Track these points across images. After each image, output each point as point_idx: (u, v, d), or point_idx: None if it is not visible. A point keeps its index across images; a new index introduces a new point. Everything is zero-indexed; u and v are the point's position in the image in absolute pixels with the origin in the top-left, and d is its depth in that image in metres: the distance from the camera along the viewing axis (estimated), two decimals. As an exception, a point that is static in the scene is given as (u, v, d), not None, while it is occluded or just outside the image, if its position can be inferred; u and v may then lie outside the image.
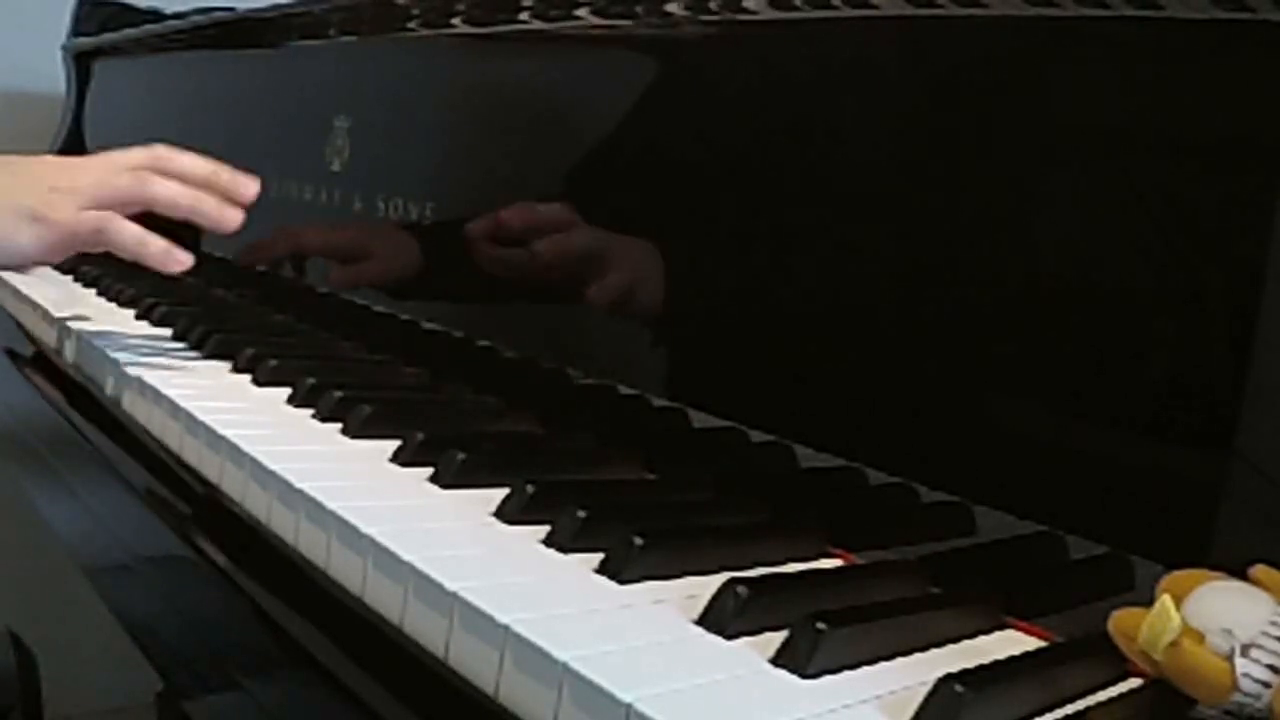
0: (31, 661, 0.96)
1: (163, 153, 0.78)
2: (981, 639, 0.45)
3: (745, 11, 0.63)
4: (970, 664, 0.39)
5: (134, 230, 0.75)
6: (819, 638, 0.40)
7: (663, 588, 0.46)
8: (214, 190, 0.78)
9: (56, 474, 0.81)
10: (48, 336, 0.91)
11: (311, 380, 0.71)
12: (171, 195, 0.76)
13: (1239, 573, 0.40)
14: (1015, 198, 0.53)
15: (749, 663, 0.40)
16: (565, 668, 0.38)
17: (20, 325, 0.99)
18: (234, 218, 0.77)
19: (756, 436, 0.61)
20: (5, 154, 0.78)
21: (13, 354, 0.94)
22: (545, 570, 0.47)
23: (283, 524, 0.54)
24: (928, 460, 0.54)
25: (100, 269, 1.12)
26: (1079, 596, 0.47)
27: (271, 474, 0.55)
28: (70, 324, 0.87)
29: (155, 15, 1.50)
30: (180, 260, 0.76)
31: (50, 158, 0.80)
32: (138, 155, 0.78)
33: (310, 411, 0.69)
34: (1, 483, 1.18)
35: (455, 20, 0.86)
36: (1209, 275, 0.46)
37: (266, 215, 1.08)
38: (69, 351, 0.86)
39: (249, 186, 0.79)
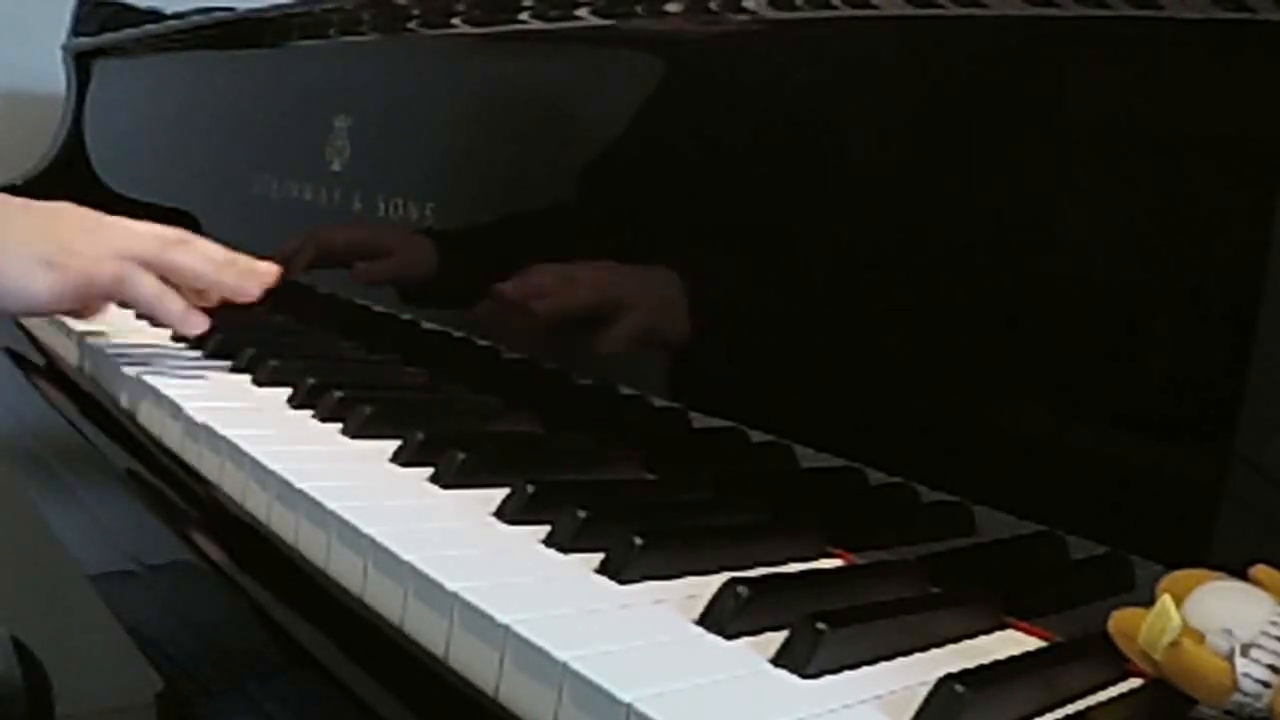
0: (41, 672, 0.95)
1: (185, 234, 0.78)
2: (981, 639, 0.46)
3: (745, 11, 0.63)
4: (970, 664, 0.39)
5: (154, 283, 0.74)
6: (819, 638, 0.40)
7: (663, 588, 0.46)
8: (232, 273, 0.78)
9: (57, 474, 0.81)
10: (54, 342, 0.91)
11: (311, 380, 0.71)
12: (194, 265, 0.76)
13: (1239, 573, 0.40)
14: (1015, 198, 0.53)
15: (749, 663, 0.40)
16: (565, 668, 0.38)
17: (21, 327, 0.98)
18: (253, 291, 0.78)
19: (756, 436, 0.61)
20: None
21: (14, 356, 0.94)
22: (545, 570, 0.47)
23: (283, 524, 0.54)
24: (928, 460, 0.54)
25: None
26: (1079, 596, 0.47)
27: (271, 474, 0.55)
28: (71, 323, 0.87)
29: (155, 15, 1.50)
30: (197, 323, 0.75)
31: (75, 207, 0.79)
32: (162, 228, 0.77)
33: (310, 411, 0.69)
34: (1, 482, 1.18)
35: (455, 20, 0.86)
36: (1209, 275, 0.46)
37: (267, 215, 1.08)
38: (69, 351, 0.86)
39: (268, 274, 0.80)
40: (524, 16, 0.79)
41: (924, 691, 0.37)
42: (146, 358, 0.78)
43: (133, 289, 0.73)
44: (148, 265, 0.74)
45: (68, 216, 0.76)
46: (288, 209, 1.04)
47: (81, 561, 0.75)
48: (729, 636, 0.42)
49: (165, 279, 0.75)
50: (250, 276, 0.79)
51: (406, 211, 0.88)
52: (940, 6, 0.54)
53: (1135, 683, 0.42)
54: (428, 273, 0.89)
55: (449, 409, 0.76)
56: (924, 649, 0.43)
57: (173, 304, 0.74)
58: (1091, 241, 0.50)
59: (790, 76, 0.63)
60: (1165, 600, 0.39)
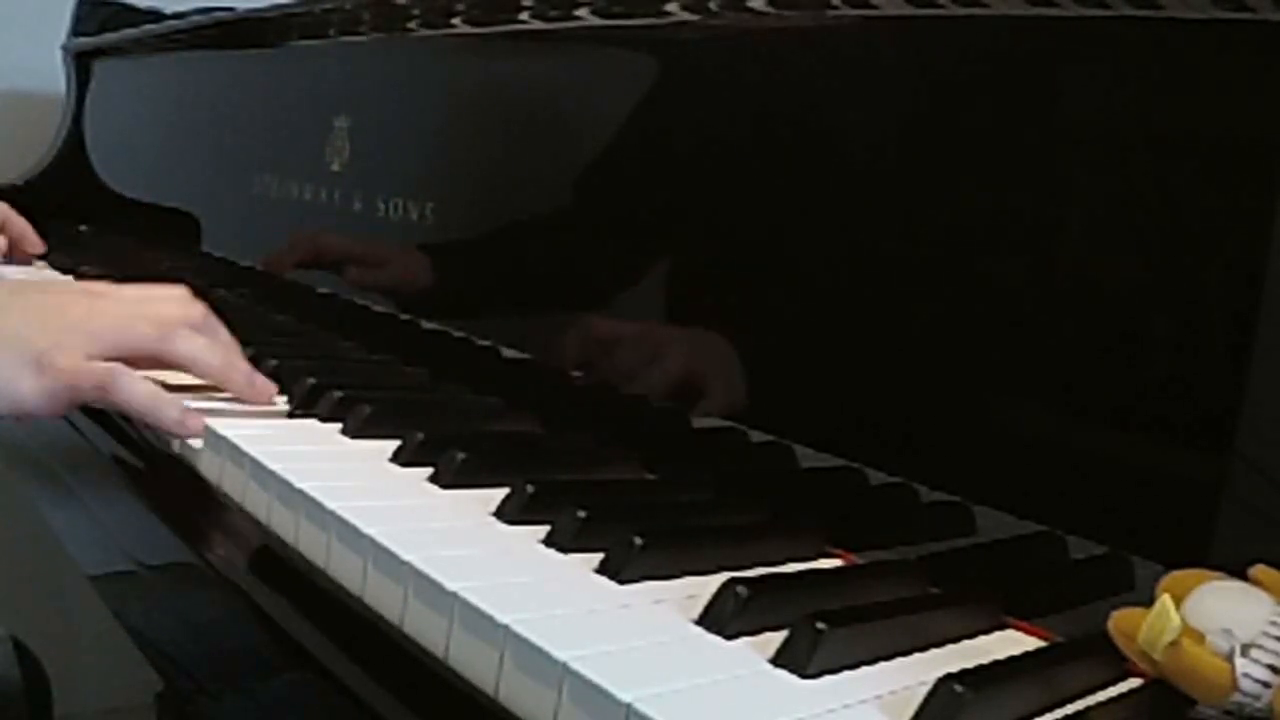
0: (41, 673, 0.95)
1: (197, 314, 0.68)
2: (981, 639, 0.45)
3: (746, 11, 0.63)
4: (970, 664, 0.39)
5: (145, 388, 0.63)
6: (819, 638, 0.40)
7: (663, 588, 0.46)
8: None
9: (57, 475, 0.81)
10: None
11: (311, 380, 0.71)
12: (196, 353, 0.66)
13: (1239, 573, 0.40)
14: (1015, 198, 0.53)
15: (749, 663, 0.40)
16: (565, 668, 0.38)
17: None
18: (266, 392, 0.69)
19: (756, 436, 0.61)
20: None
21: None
22: (545, 570, 0.47)
23: (283, 524, 0.54)
24: (928, 460, 0.54)
25: (100, 270, 1.12)
26: (1079, 596, 0.47)
27: (271, 474, 0.55)
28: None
29: (155, 15, 1.50)
30: (194, 429, 0.63)
31: (76, 286, 0.67)
32: (172, 307, 0.67)
33: (310, 411, 0.69)
34: (2, 482, 1.18)
35: (455, 20, 0.86)
36: (1209, 275, 0.46)
37: (267, 216, 1.08)
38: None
39: (267, 390, 0.69)
40: (524, 16, 0.79)
41: (924, 691, 0.37)
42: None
43: (119, 396, 0.62)
44: (146, 355, 0.65)
45: (62, 304, 0.66)
46: (288, 209, 1.04)
47: (81, 561, 0.75)
48: (729, 636, 0.42)
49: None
50: (253, 388, 0.68)
51: (406, 211, 0.88)
52: (940, 6, 0.54)
53: (1135, 683, 0.42)
54: (425, 277, 0.89)
55: (449, 409, 0.76)
56: (924, 649, 0.43)
57: (169, 409, 0.63)
58: (1091, 241, 0.50)
59: (790, 77, 0.63)
60: (1165, 600, 0.39)
